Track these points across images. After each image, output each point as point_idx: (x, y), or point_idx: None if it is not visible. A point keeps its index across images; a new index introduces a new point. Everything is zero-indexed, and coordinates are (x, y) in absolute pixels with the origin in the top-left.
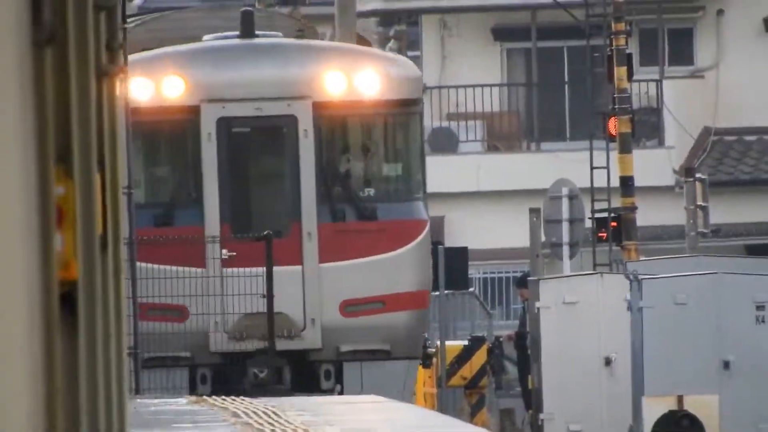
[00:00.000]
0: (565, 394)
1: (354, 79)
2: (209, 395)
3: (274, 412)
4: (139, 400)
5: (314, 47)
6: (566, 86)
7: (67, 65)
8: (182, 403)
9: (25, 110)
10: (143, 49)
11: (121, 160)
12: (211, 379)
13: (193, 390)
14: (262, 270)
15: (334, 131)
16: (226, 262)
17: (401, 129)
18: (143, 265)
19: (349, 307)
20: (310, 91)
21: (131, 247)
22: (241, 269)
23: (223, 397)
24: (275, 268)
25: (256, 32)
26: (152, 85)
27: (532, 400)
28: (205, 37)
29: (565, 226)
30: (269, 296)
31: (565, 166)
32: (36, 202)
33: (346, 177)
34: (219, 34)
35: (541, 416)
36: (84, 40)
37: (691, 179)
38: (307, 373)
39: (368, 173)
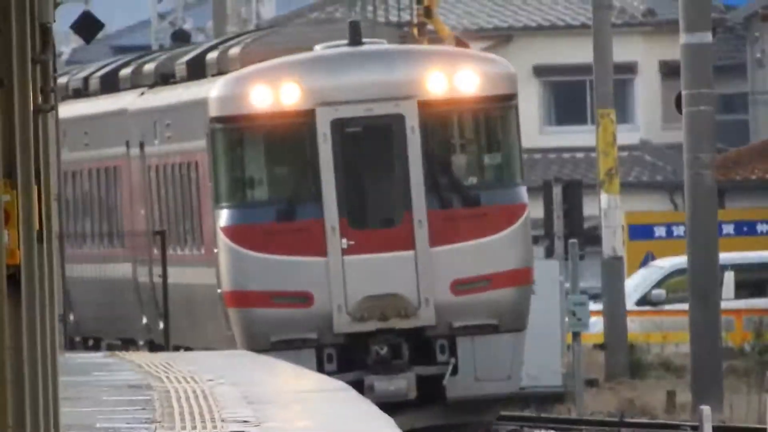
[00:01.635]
0: None
1: (455, 78)
2: (335, 373)
3: (168, 363)
4: (67, 354)
5: (416, 51)
6: None
7: (12, 104)
8: (99, 356)
9: None
10: (260, 60)
11: (54, 175)
12: (336, 357)
13: (320, 368)
14: (380, 256)
15: (438, 126)
16: (346, 251)
17: (500, 122)
18: (267, 256)
19: (459, 286)
20: (415, 91)
21: (61, 240)
22: (361, 256)
23: (130, 352)
24: (390, 254)
25: (363, 40)
26: (271, 92)
27: None
28: (317, 47)
29: None
30: (164, 281)
31: None
32: None
33: (451, 168)
34: (329, 43)
35: None
36: (25, 86)
37: None
38: (424, 349)
39: (471, 163)
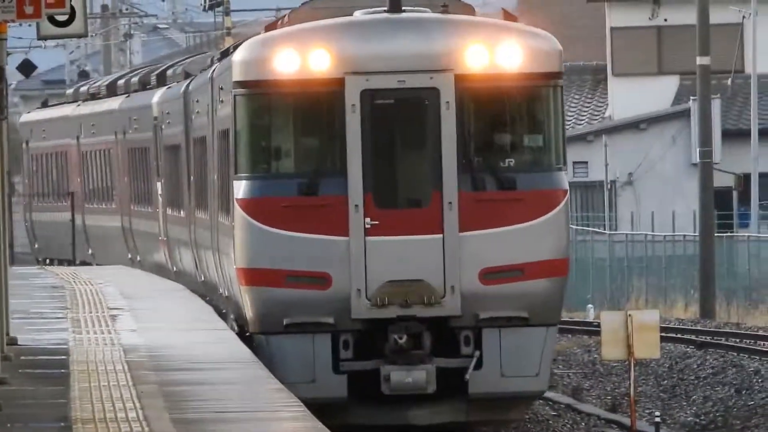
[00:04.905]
0: None
1: (496, 52)
2: (351, 360)
3: (75, 273)
4: (12, 268)
5: (457, 21)
6: None
7: None
8: (34, 269)
9: None
10: None
11: (5, 151)
12: (353, 344)
13: (335, 354)
14: (406, 239)
15: (476, 103)
16: (370, 231)
17: (542, 101)
18: (284, 232)
19: (489, 275)
20: (452, 63)
21: (9, 199)
22: (385, 238)
23: (53, 266)
24: (416, 237)
25: (404, 7)
26: (298, 57)
27: None
28: (356, 12)
29: None
30: (73, 224)
31: None
32: None
33: (486, 148)
34: (368, 9)
35: None
36: None
37: None
38: (447, 339)
39: (509, 144)
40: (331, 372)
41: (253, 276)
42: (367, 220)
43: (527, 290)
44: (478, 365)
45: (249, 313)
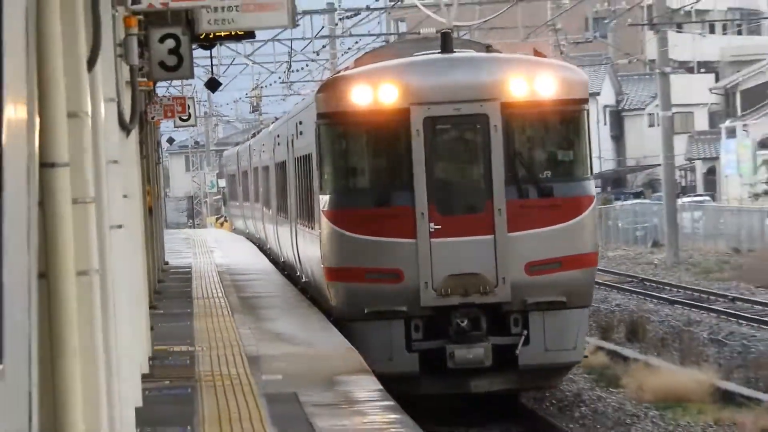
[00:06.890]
0: None
1: (534, 82)
2: (421, 341)
3: (195, 233)
4: (167, 229)
5: (501, 58)
6: None
7: (149, 163)
8: (173, 230)
9: (137, 169)
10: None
11: (161, 179)
12: (422, 327)
13: (408, 336)
14: (464, 239)
15: (518, 125)
16: (434, 234)
17: (573, 123)
18: (363, 237)
19: (533, 267)
20: (498, 93)
21: (163, 202)
22: (447, 239)
23: (185, 228)
24: (472, 238)
25: (454, 49)
26: (371, 91)
27: None
28: (415, 54)
29: None
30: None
31: None
32: (142, 190)
33: (528, 162)
34: (425, 52)
35: None
36: (152, 159)
37: None
38: (499, 321)
39: (546, 159)
40: (404, 351)
41: (338, 273)
42: (432, 225)
43: (565, 279)
44: (526, 342)
45: (334, 303)
